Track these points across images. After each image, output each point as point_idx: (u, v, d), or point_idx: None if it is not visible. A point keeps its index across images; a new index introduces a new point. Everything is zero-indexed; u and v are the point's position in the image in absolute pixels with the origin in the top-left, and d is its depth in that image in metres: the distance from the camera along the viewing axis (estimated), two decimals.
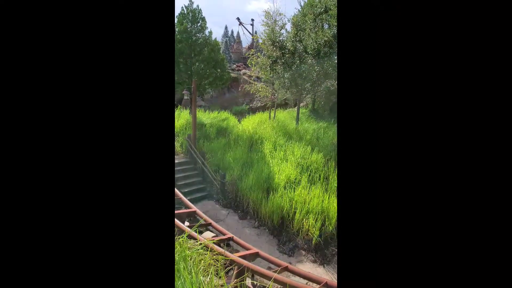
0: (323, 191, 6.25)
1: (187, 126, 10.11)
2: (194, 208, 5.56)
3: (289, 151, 8.03)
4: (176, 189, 6.10)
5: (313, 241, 5.28)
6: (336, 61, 9.42)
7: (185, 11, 13.13)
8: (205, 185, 7.76)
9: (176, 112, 11.35)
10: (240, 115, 14.15)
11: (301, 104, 12.95)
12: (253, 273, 3.69)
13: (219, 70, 13.26)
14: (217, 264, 2.49)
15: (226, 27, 45.52)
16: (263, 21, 11.26)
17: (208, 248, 2.77)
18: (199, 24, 13.13)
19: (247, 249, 4.51)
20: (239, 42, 27.80)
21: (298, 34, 10.35)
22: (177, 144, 9.26)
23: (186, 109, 12.28)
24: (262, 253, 4.41)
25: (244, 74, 18.28)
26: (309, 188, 6.33)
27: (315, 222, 5.42)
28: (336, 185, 6.51)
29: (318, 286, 3.68)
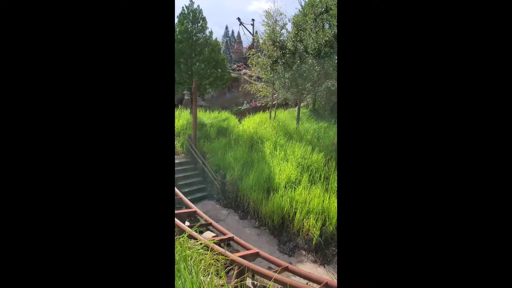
0: (323, 191, 6.24)
1: (187, 126, 10.10)
2: (194, 208, 5.57)
3: (289, 151, 8.02)
4: (176, 189, 6.11)
5: (314, 241, 5.27)
6: (336, 61, 9.41)
7: (186, 11, 13.15)
8: (205, 185, 7.76)
9: (177, 112, 11.34)
10: (241, 114, 14.14)
11: (302, 104, 12.95)
12: (254, 273, 3.70)
13: (219, 70, 13.27)
14: (217, 264, 2.49)
15: (226, 27, 45.51)
16: (263, 21, 11.26)
17: (209, 248, 2.78)
18: (200, 24, 13.15)
19: (248, 249, 4.51)
20: (240, 42, 27.81)
21: (299, 34, 10.33)
22: (177, 144, 9.25)
23: (186, 109, 12.28)
24: (262, 253, 4.42)
25: (245, 74, 18.28)
26: (309, 188, 6.33)
27: (316, 222, 5.42)
28: (336, 185, 6.50)
29: (319, 286, 3.68)
